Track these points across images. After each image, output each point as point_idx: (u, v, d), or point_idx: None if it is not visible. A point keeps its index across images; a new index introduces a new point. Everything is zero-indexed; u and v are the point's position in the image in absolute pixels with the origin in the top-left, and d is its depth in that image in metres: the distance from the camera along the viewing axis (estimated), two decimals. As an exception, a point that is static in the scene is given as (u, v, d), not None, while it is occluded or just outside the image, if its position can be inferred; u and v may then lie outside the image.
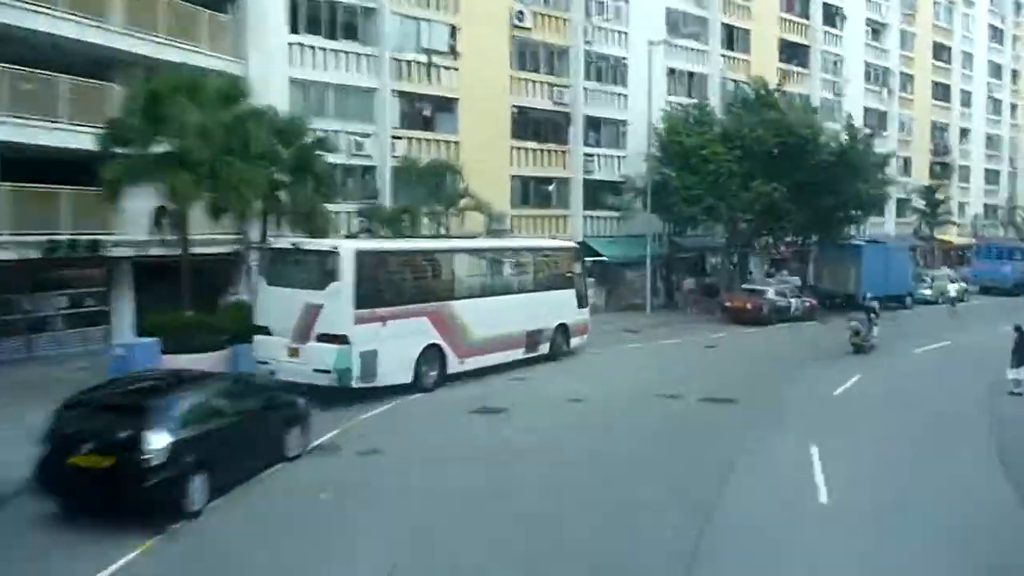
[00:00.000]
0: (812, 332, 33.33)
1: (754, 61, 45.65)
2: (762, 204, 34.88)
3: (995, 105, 69.94)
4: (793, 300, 35.87)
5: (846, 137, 37.68)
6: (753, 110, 37.00)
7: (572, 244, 26.75)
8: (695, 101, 40.18)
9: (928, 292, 45.24)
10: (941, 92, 63.43)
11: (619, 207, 38.90)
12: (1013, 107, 72.32)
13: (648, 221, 36.54)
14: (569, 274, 25.57)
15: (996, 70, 70.04)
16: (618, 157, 39.81)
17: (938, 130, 63.07)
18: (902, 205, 57.09)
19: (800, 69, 49.56)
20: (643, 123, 37.49)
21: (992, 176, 69.97)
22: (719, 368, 24.29)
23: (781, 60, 48.35)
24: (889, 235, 56.40)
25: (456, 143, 33.73)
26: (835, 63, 52.66)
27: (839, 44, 53.04)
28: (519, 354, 23.18)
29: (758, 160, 35.22)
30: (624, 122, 40.04)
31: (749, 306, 34.36)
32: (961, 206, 64.88)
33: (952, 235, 62.20)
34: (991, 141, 69.55)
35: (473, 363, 21.43)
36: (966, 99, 66.21)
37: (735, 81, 44.14)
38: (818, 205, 36.41)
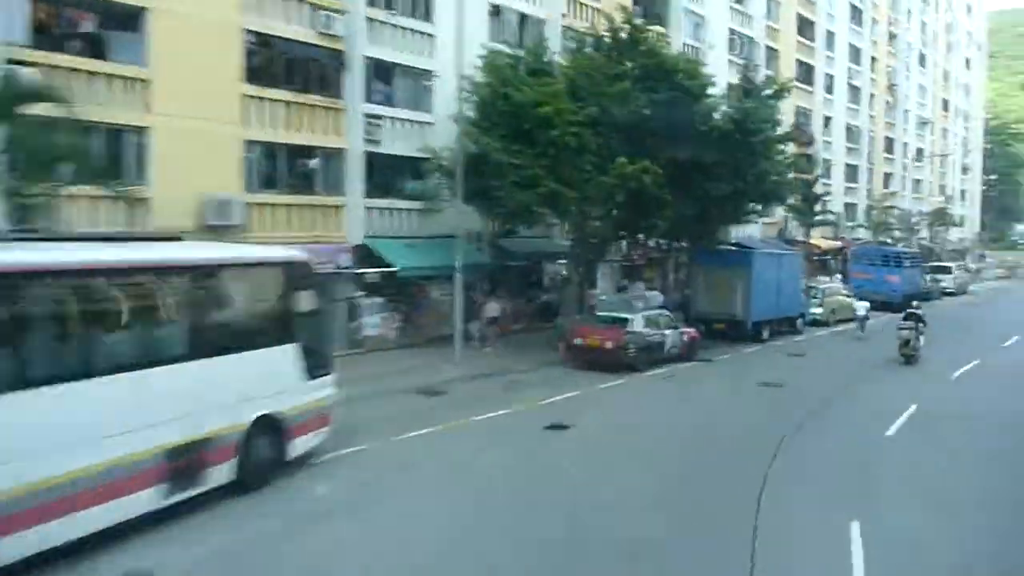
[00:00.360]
0: (706, 385, 22.26)
1: (604, 8, 34.47)
2: (628, 191, 23.54)
3: (854, 93, 62.90)
4: (668, 332, 24.79)
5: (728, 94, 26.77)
6: (612, 57, 25.57)
7: (294, 257, 13.88)
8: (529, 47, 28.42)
9: (819, 311, 35.70)
10: (805, 73, 55.19)
11: (422, 195, 26.75)
12: (871, 96, 65.67)
13: (461, 216, 24.53)
14: (284, 315, 12.95)
15: (856, 54, 62.98)
16: (421, 123, 27.54)
17: (802, 116, 54.71)
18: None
19: (658, 28, 38.94)
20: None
21: (851, 172, 62.85)
22: (583, 502, 12.31)
23: (636, 13, 37.50)
24: (753, 237, 47.25)
25: (143, 82, 20.53)
26: (697, 24, 42.71)
27: (701, 2, 43.09)
28: (153, 501, 10.46)
29: (621, 128, 23.92)
30: (429, 73, 27.81)
31: (608, 344, 22.93)
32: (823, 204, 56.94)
33: (818, 238, 53.89)
34: (851, 132, 62.43)
35: (10, 547, 8.65)
36: (829, 84, 58.56)
37: (579, 32, 32.78)
38: (705, 193, 25.50)
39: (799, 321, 33.07)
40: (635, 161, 23.16)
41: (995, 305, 49.94)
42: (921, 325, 25.78)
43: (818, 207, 48.26)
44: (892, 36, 70.21)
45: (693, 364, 24.97)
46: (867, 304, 33.61)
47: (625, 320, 23.71)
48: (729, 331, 29.52)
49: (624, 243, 31.26)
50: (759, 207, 29.85)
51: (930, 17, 79.24)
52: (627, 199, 23.81)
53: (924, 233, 74.77)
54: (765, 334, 30.15)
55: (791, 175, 28.86)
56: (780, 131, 28.34)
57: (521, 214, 23.88)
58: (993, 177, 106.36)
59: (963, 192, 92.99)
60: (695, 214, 26.25)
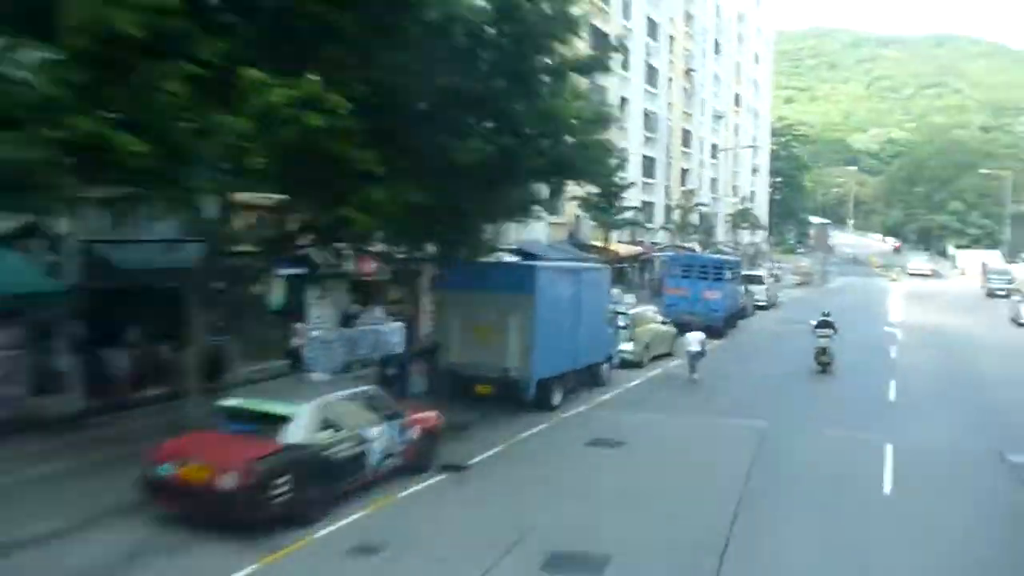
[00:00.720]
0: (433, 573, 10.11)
1: None
2: (279, 149, 11.09)
3: (652, 74, 54.17)
4: (377, 432, 12.60)
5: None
6: None
7: None
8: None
9: (630, 348, 24.96)
10: (599, 44, 45.23)
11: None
12: (670, 81, 57.34)
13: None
14: None
15: (653, 29, 54.33)
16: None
17: (595, 94, 44.68)
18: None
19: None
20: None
21: (648, 165, 54.02)
22: None
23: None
24: (539, 242, 36.55)
25: None
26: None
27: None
28: None
29: (264, 15, 11.60)
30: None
31: (225, 480, 10.29)
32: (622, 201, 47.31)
33: (613, 243, 43.89)
34: (649, 119, 53.62)
35: None
36: (625, 59, 49.11)
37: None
38: (450, 159, 13.50)
39: (604, 368, 22.12)
40: (290, 82, 10.84)
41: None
42: (833, 332, 25.40)
43: (618, 203, 38.15)
44: (689, 16, 62.58)
45: (427, 485, 13.07)
46: (702, 336, 23.46)
47: (278, 419, 11.32)
48: (500, 395, 18.03)
49: (332, 250, 18.77)
50: (545, 191, 18.24)
51: (724, 1, 72.89)
52: (282, 165, 11.35)
53: (721, 236, 68.09)
54: (556, 398, 18.86)
55: (601, 130, 17.25)
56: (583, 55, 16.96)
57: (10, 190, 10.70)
58: (778, 179, 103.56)
59: (752, 193, 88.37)
60: (434, 199, 13.89)
